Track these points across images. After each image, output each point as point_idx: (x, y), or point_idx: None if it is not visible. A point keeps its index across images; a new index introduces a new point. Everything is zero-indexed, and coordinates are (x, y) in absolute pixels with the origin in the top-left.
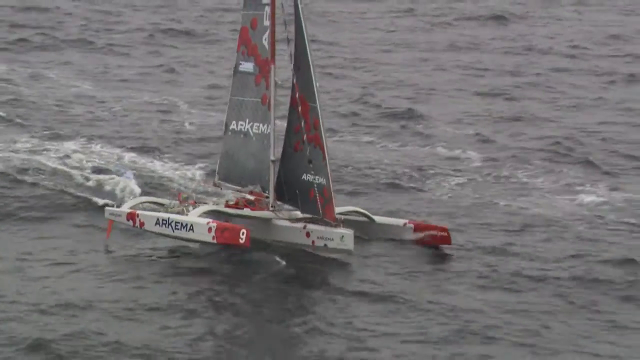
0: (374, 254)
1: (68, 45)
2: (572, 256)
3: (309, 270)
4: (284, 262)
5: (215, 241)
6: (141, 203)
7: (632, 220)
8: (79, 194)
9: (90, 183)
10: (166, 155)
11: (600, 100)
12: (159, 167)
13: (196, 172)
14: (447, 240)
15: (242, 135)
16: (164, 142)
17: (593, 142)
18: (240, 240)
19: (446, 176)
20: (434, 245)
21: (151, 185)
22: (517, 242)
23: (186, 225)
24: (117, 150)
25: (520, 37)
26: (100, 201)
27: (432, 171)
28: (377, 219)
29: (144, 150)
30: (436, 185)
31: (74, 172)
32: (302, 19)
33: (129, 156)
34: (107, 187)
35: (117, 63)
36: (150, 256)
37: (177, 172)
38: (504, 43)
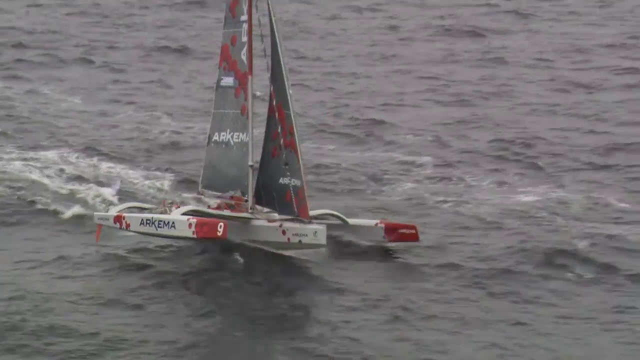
0: (323, 252)
1: (68, 63)
2: (502, 250)
3: (261, 268)
4: (241, 260)
5: (195, 236)
6: (127, 207)
7: (560, 220)
8: (51, 201)
9: (63, 191)
10: (141, 165)
11: (558, 107)
12: (132, 174)
13: (165, 181)
14: (415, 237)
15: (223, 145)
16: (140, 152)
17: (542, 146)
18: (218, 233)
19: (400, 180)
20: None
21: (124, 193)
22: (455, 238)
23: (168, 222)
24: (94, 160)
25: (493, 50)
26: (70, 210)
27: (387, 176)
28: (351, 220)
29: (119, 159)
30: (391, 188)
31: (48, 180)
32: (276, 34)
33: (106, 166)
34: (79, 195)
35: (112, 79)
36: (114, 254)
37: (147, 182)
38: (477, 55)
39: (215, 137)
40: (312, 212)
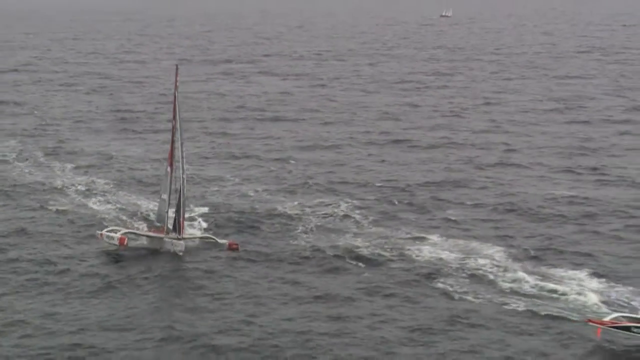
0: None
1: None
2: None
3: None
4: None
5: (118, 244)
6: (110, 229)
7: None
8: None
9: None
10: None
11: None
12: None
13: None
14: (237, 249)
15: (163, 201)
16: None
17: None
18: (124, 243)
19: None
20: (233, 250)
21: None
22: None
23: (112, 237)
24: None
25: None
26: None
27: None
28: (219, 240)
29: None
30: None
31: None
32: (183, 155)
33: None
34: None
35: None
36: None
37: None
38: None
39: (162, 196)
40: (197, 234)
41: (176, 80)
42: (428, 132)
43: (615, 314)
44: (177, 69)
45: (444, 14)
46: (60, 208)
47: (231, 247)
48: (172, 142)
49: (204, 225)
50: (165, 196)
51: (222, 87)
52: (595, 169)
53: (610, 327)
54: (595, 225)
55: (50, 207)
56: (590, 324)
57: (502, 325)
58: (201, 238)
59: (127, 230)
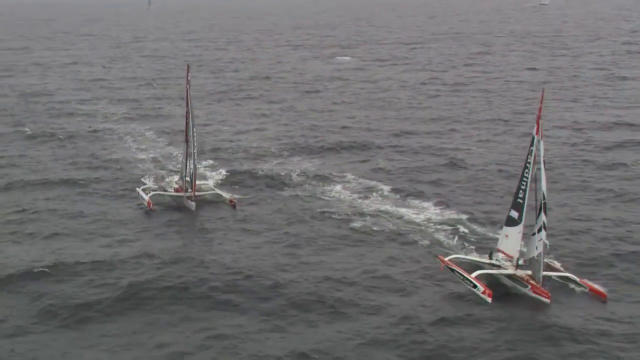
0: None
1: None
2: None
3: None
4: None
5: (147, 205)
6: (143, 189)
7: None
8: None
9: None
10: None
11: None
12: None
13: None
14: (234, 204)
15: (183, 163)
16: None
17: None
18: (150, 207)
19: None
20: (233, 204)
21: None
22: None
23: (144, 198)
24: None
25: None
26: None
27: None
28: (223, 194)
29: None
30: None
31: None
32: (193, 127)
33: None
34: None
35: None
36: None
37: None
38: None
39: (182, 159)
40: (206, 187)
41: (187, 76)
42: (425, 100)
43: (454, 255)
44: (188, 68)
45: (542, 2)
46: (113, 156)
47: (232, 202)
48: (187, 124)
49: (213, 179)
50: (184, 160)
51: (305, 67)
52: (506, 121)
53: (447, 266)
54: (479, 174)
55: (104, 155)
56: (438, 259)
57: (356, 245)
58: (210, 193)
59: (153, 193)
